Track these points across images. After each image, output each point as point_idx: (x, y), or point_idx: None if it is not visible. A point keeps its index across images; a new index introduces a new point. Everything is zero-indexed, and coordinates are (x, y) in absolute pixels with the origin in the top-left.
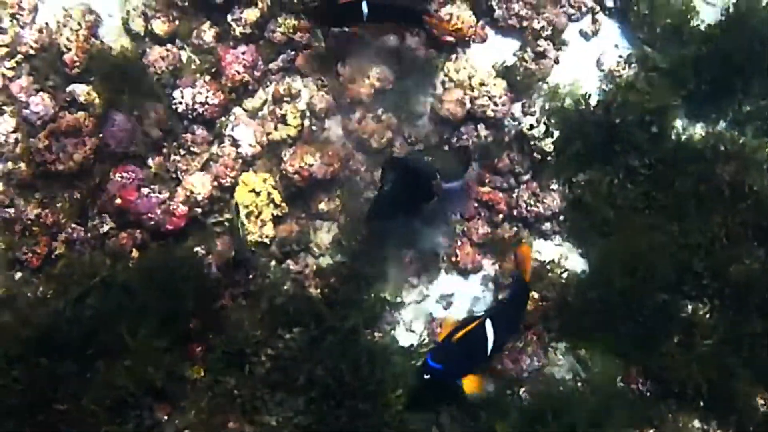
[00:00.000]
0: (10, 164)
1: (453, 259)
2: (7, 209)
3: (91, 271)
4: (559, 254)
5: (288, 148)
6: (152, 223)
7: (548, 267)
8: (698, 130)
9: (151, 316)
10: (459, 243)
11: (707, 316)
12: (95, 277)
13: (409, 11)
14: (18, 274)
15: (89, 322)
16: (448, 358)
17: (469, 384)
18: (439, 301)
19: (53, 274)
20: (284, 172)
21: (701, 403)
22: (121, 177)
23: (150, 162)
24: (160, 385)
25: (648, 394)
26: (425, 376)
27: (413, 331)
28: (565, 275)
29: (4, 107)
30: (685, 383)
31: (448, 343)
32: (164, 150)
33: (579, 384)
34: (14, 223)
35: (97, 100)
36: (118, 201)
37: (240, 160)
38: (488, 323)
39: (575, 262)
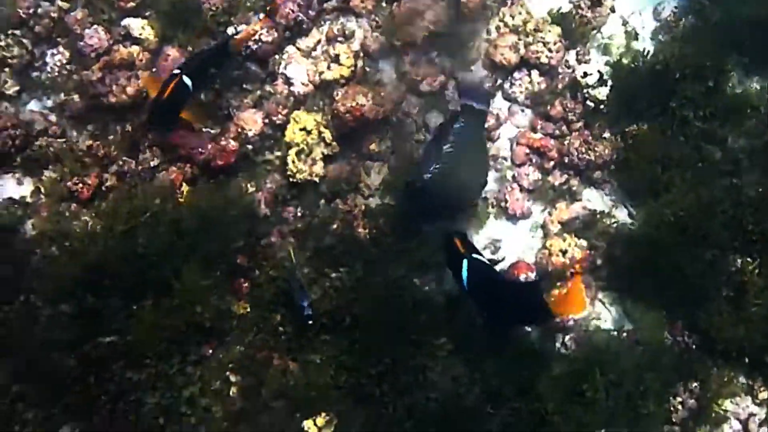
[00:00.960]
0: (63, 96)
1: (502, 204)
2: (59, 140)
3: (141, 204)
4: (609, 204)
5: (340, 88)
6: (202, 158)
7: (598, 216)
8: (754, 84)
9: (199, 253)
10: (509, 189)
11: (756, 273)
12: (145, 212)
13: None
14: (69, 206)
15: (138, 259)
16: None
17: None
18: (487, 246)
19: (103, 209)
20: (335, 111)
21: (746, 361)
22: None
23: (203, 98)
24: (207, 325)
25: (693, 347)
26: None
27: None
28: (614, 226)
29: (59, 39)
30: (731, 343)
31: None
32: (216, 86)
33: (625, 335)
34: (67, 153)
35: (151, 35)
36: (170, 135)
37: (292, 99)
38: None
39: (624, 213)
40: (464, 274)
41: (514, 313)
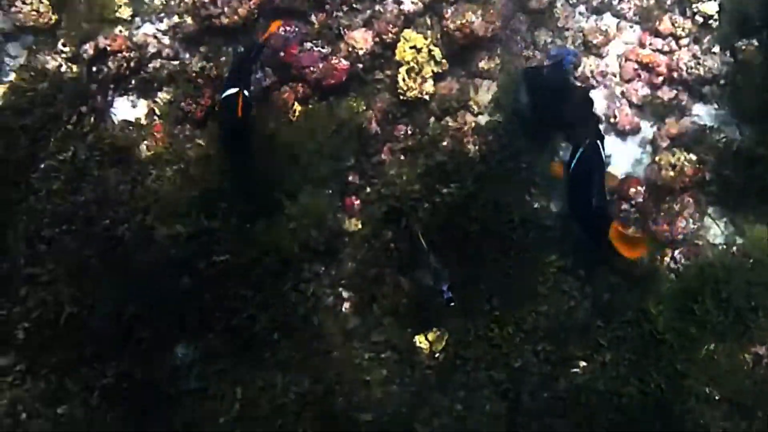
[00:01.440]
0: (176, 18)
1: (612, 120)
2: (172, 62)
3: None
4: (718, 119)
5: (450, 7)
6: (314, 76)
7: (707, 131)
8: None
9: (313, 173)
10: (618, 105)
11: None
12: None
13: None
14: (183, 128)
15: (251, 183)
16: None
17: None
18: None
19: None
20: (445, 29)
21: None
22: (285, 31)
23: (313, 18)
24: (322, 249)
25: None
26: None
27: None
28: (723, 140)
29: None
30: None
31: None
32: (327, 7)
33: (735, 249)
34: (180, 75)
35: None
36: (282, 54)
37: (402, 17)
38: None
39: (733, 127)
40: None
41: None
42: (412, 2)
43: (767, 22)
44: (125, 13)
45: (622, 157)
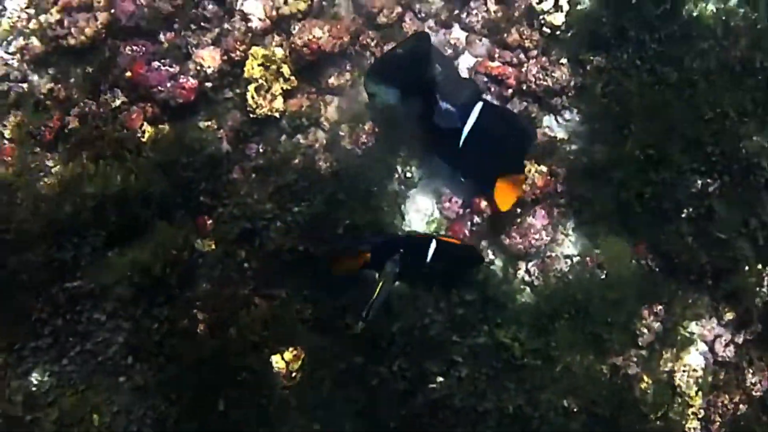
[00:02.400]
0: (22, 40)
1: None
2: (20, 84)
3: (103, 147)
4: (568, 130)
5: (297, 23)
6: (162, 96)
7: (558, 143)
8: (710, 6)
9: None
10: None
11: (717, 192)
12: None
13: None
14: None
15: (104, 204)
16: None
17: None
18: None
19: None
20: (293, 45)
21: (710, 282)
22: (132, 50)
23: (161, 37)
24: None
25: (657, 270)
26: None
27: (421, 210)
28: (574, 151)
29: None
30: (691, 265)
31: None
32: (176, 26)
33: (588, 260)
34: (28, 97)
35: None
36: (129, 74)
37: (250, 35)
38: None
39: (583, 138)
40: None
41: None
42: (260, 19)
43: (611, 29)
44: None
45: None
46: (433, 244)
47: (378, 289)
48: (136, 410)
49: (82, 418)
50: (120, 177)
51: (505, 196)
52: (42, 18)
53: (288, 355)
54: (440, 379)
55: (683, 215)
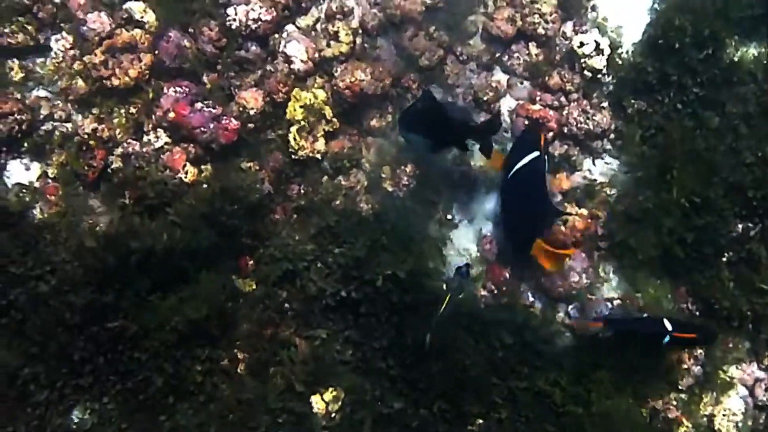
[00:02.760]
0: (67, 80)
1: None
2: (65, 124)
3: (145, 187)
4: (608, 173)
5: (340, 65)
6: (205, 137)
7: (598, 187)
8: (751, 50)
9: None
10: None
11: (757, 237)
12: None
13: None
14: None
15: (149, 258)
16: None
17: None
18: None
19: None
20: (335, 87)
21: (750, 327)
22: (175, 91)
23: (204, 78)
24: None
25: (697, 313)
26: None
27: (466, 251)
28: (615, 195)
29: (63, 24)
30: (732, 311)
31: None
32: (219, 67)
33: (628, 303)
34: (72, 137)
35: (152, 18)
36: (172, 115)
37: (292, 76)
38: None
39: (624, 182)
40: (525, 160)
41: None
42: (302, 61)
43: (653, 73)
44: (17, 75)
45: None
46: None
47: (445, 302)
48: None
49: None
50: (166, 234)
51: (552, 260)
52: (86, 59)
53: (328, 396)
54: (480, 421)
55: (724, 259)
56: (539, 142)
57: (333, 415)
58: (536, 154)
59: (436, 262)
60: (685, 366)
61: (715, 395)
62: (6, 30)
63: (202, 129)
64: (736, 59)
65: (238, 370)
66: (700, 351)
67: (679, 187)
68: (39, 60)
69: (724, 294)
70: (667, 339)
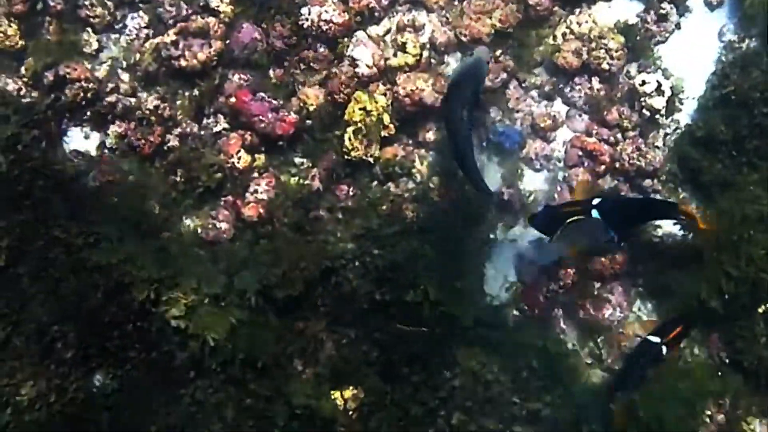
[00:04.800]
0: (138, 55)
1: (551, 204)
2: (129, 98)
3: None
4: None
5: (403, 74)
6: (263, 126)
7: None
8: None
9: None
10: (559, 189)
11: None
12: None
13: None
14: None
15: None
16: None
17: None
18: (531, 243)
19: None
20: (396, 94)
21: None
22: (240, 78)
23: (271, 73)
24: None
25: (727, 362)
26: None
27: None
28: (659, 234)
29: (141, 4)
30: (761, 365)
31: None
32: (285, 63)
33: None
34: (134, 111)
35: (228, 9)
36: (233, 100)
37: (356, 80)
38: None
39: (670, 223)
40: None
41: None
42: (368, 66)
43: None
44: (91, 47)
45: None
46: None
47: None
48: (189, 428)
49: (139, 425)
50: None
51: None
52: (158, 39)
53: (348, 394)
54: None
55: (760, 311)
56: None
57: (351, 413)
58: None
59: (472, 280)
60: (709, 413)
61: None
62: (86, 3)
63: (261, 118)
64: None
65: (262, 359)
66: (725, 400)
67: (725, 232)
68: (114, 36)
69: (755, 347)
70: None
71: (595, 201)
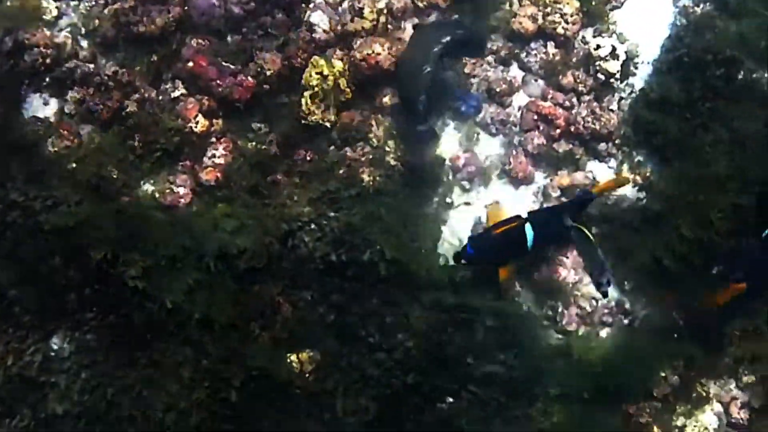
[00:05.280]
0: (97, 21)
1: (506, 167)
2: (88, 64)
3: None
4: (611, 177)
5: (360, 39)
6: (220, 90)
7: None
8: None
9: None
10: (514, 152)
11: None
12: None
13: None
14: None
15: None
16: (485, 247)
17: (503, 272)
18: (487, 206)
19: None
20: (352, 58)
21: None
22: (197, 43)
23: (228, 38)
24: None
25: (682, 324)
26: (462, 261)
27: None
28: (612, 199)
29: None
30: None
31: (488, 235)
32: (244, 29)
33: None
34: (93, 77)
35: None
36: (191, 64)
37: (313, 45)
38: (528, 226)
39: (625, 188)
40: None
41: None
42: (324, 31)
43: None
44: (50, 13)
45: (512, 204)
46: None
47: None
48: (146, 389)
49: (95, 387)
50: None
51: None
52: (117, 5)
53: (304, 357)
54: (450, 399)
55: (714, 273)
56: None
57: (307, 376)
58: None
59: (428, 242)
60: (663, 374)
61: (690, 408)
62: None
63: (218, 82)
64: (751, 80)
65: (220, 321)
66: (680, 361)
67: (681, 193)
68: (73, 3)
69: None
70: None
71: (524, 215)
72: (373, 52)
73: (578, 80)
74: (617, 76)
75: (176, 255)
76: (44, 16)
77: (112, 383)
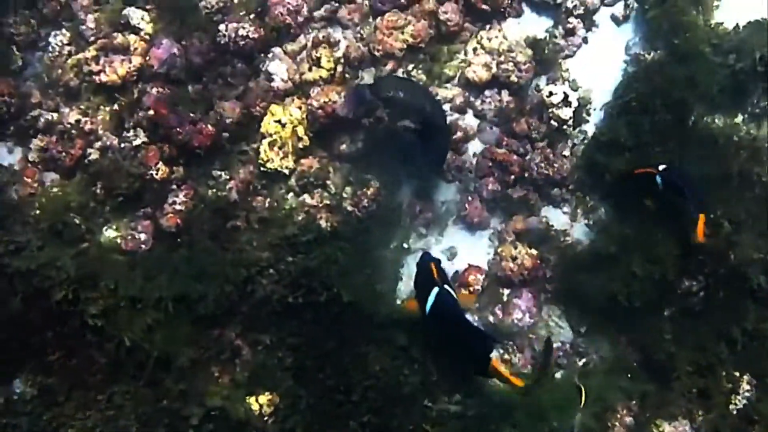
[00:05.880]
0: (60, 71)
1: (462, 213)
2: (52, 113)
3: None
4: (565, 221)
5: (317, 87)
6: (180, 138)
7: (552, 232)
8: (717, 121)
9: None
10: (469, 198)
11: (701, 293)
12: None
13: None
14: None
15: None
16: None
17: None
18: (444, 252)
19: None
20: (310, 106)
21: (685, 383)
22: (158, 91)
23: (189, 88)
24: None
25: (635, 364)
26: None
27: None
28: (567, 242)
29: (64, 22)
30: (669, 363)
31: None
32: (204, 79)
33: (568, 347)
34: (56, 125)
35: (149, 26)
36: (152, 112)
37: (272, 94)
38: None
39: (579, 232)
40: (430, 301)
41: (461, 354)
42: (283, 80)
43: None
44: (15, 63)
45: (468, 249)
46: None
47: None
48: (106, 430)
49: (55, 429)
50: None
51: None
52: (80, 55)
53: (263, 399)
54: None
55: (666, 313)
56: (431, 274)
57: (266, 418)
58: (436, 290)
59: (385, 285)
60: (618, 416)
61: None
62: (10, 21)
63: (178, 130)
64: (700, 126)
65: (180, 363)
66: (633, 402)
67: (627, 238)
68: (38, 54)
69: (663, 347)
70: None
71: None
72: (329, 100)
73: (532, 127)
74: (570, 122)
75: (135, 296)
76: (10, 67)
77: (73, 425)
